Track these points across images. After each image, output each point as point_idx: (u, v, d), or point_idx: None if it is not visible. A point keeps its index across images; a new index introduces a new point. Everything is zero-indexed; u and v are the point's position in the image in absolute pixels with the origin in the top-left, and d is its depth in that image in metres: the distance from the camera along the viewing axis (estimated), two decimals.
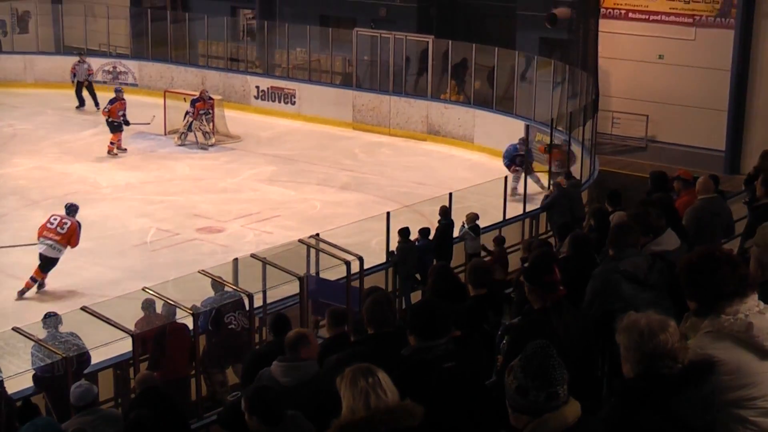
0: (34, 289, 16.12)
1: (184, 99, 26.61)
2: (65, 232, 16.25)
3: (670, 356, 4.29)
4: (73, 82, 29.71)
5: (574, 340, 5.97)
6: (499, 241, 15.85)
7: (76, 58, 29.87)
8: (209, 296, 12.61)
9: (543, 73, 25.51)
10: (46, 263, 16.16)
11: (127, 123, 24.60)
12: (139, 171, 23.65)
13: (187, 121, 25.72)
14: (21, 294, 16.06)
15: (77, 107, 29.07)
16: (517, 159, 21.38)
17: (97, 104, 28.28)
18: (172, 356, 11.67)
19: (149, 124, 25.51)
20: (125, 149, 24.70)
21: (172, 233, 19.15)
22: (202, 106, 25.70)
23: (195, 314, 11.99)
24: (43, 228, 16.37)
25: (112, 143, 24.48)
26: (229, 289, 12.73)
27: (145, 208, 20.80)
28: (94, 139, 25.82)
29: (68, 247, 16.30)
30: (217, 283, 12.77)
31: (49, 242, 16.15)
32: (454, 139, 26.23)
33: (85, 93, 29.18)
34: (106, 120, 24.53)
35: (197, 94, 26.49)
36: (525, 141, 21.91)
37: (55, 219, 16.43)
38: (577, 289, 6.88)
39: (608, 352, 6.23)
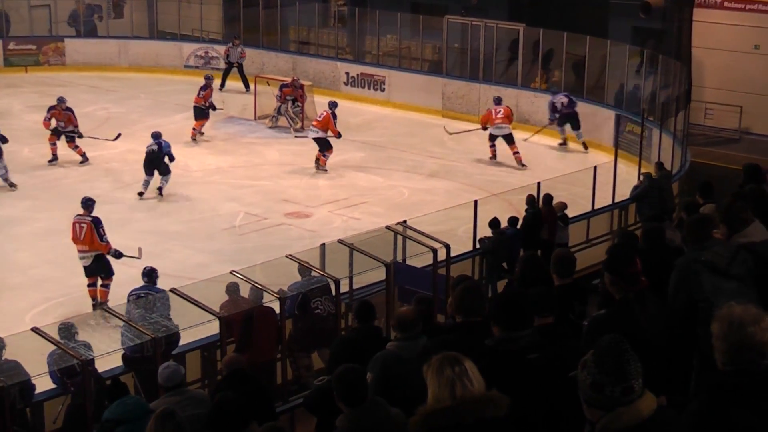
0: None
1: (267, 83, 26.86)
2: (84, 238, 15.58)
3: (758, 351, 4.20)
4: (226, 63, 30.40)
5: (658, 332, 5.89)
6: (547, 200, 15.80)
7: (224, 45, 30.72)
8: (297, 281, 12.69)
9: (635, 62, 25.19)
10: (90, 272, 15.64)
11: (214, 109, 24.85)
12: (229, 155, 23.88)
13: (277, 106, 25.93)
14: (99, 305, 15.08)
15: (220, 88, 29.45)
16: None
17: (247, 87, 28.83)
18: (259, 339, 11.77)
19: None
20: (202, 132, 25.00)
21: (260, 218, 19.31)
22: (290, 92, 25.85)
23: (282, 298, 12.07)
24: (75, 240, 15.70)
25: (194, 129, 24.74)
26: (316, 275, 12.79)
27: (234, 192, 20.99)
28: (185, 123, 26.10)
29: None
30: (304, 268, 12.84)
31: (81, 255, 15.65)
32: (543, 129, 26.03)
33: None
34: (195, 106, 24.77)
35: (288, 80, 26.68)
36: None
37: (78, 226, 15.67)
38: (657, 282, 6.79)
39: (695, 344, 6.14)
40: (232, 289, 12.38)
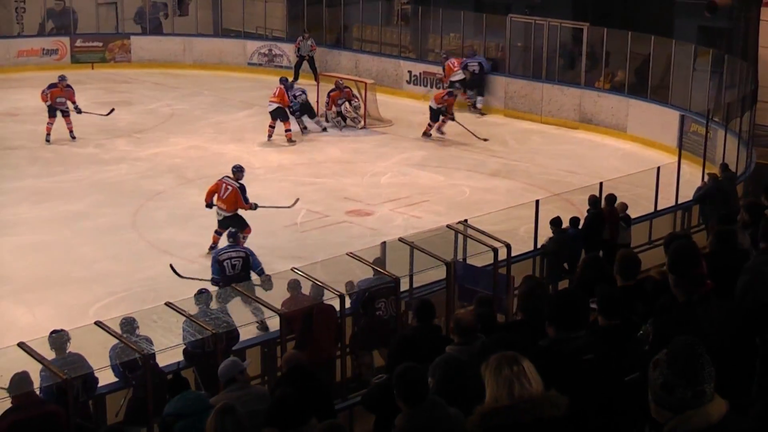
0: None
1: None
2: (226, 198, 17.19)
3: None
4: (297, 56, 30.69)
5: (722, 335, 5.82)
6: (610, 200, 15.72)
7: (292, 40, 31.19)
8: (367, 277, 12.71)
9: (701, 62, 24.92)
10: (223, 225, 17.01)
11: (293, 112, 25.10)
12: (291, 153, 23.99)
13: (325, 112, 26.07)
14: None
15: (293, 81, 29.62)
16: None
17: (317, 79, 28.97)
18: (319, 337, 11.82)
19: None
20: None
21: (321, 215, 19.37)
22: (338, 95, 25.92)
23: (342, 296, 12.09)
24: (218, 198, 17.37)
25: (287, 131, 24.79)
26: (387, 275, 12.77)
27: (296, 189, 21.04)
28: (248, 120, 26.33)
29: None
30: (377, 263, 12.91)
31: (219, 211, 17.26)
32: (606, 128, 25.85)
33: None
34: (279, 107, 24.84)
35: (350, 77, 26.87)
36: None
37: (225, 186, 17.36)
38: (726, 284, 6.71)
39: (761, 350, 6.06)
40: (293, 286, 12.44)
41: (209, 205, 17.18)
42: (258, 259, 14.84)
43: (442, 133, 25.05)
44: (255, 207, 17.38)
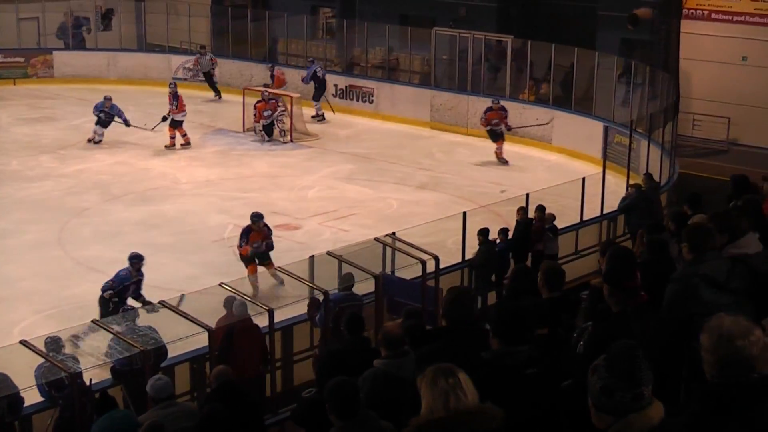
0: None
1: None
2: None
3: (746, 364, 4.20)
4: (198, 76, 31.04)
5: (653, 345, 5.88)
6: (540, 210, 15.98)
7: (184, 58, 31.58)
8: (334, 291, 12.64)
9: (623, 74, 25.27)
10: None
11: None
12: (218, 167, 23.89)
13: (254, 121, 26.09)
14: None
15: (216, 96, 30.47)
16: None
17: (217, 94, 30.15)
18: (242, 353, 11.69)
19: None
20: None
21: None
22: (264, 107, 25.89)
23: (272, 310, 12.02)
24: None
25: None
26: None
27: (223, 204, 20.97)
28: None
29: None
30: (345, 278, 12.84)
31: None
32: (532, 140, 26.07)
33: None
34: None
35: (276, 91, 26.91)
36: None
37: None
38: (657, 293, 6.78)
39: (687, 357, 6.14)
40: (229, 302, 12.31)
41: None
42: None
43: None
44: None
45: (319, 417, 6.12)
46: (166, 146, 25.00)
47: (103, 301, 14.11)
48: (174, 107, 25.32)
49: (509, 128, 24.57)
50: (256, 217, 16.31)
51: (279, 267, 13.98)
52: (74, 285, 16.42)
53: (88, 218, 20.09)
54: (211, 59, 30.77)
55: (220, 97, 30.40)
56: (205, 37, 33.91)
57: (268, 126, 25.93)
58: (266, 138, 25.90)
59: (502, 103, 25.17)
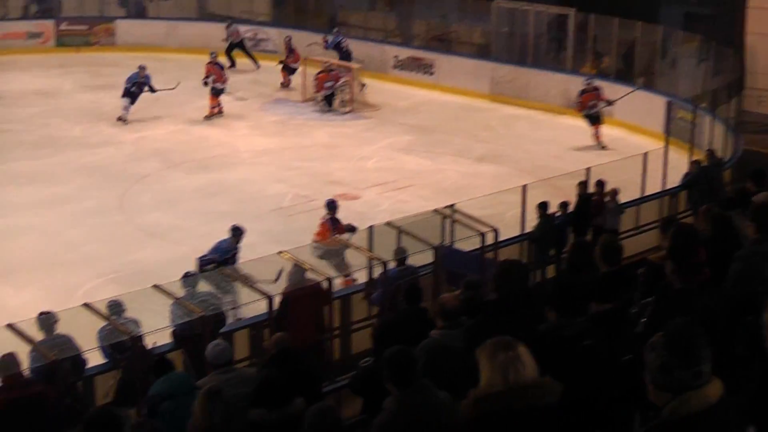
0: None
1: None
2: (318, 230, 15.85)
3: None
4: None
5: (715, 322, 5.84)
6: (599, 185, 15.87)
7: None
8: (393, 268, 12.61)
9: (687, 48, 24.95)
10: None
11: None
12: (277, 137, 23.98)
13: (314, 92, 26.12)
14: None
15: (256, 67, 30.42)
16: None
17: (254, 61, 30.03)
18: (300, 321, 11.75)
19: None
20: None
21: (308, 199, 19.34)
22: (326, 78, 25.93)
23: (331, 279, 12.07)
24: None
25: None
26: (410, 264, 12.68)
27: (282, 173, 21.07)
28: (234, 104, 26.25)
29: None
30: (398, 250, 12.80)
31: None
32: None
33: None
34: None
35: (336, 62, 26.91)
36: None
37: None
38: (720, 271, 6.73)
39: (746, 335, 6.09)
40: (294, 271, 12.32)
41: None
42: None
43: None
44: None
45: (376, 386, 6.14)
46: (205, 117, 25.01)
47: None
48: (221, 75, 25.39)
49: (610, 102, 23.62)
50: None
51: (336, 236, 14.03)
52: (135, 250, 16.60)
53: (148, 185, 20.28)
54: (235, 31, 30.75)
55: (258, 66, 30.36)
56: (265, 6, 33.97)
57: (329, 96, 25.98)
58: (327, 108, 25.96)
59: (561, 77, 24.95)
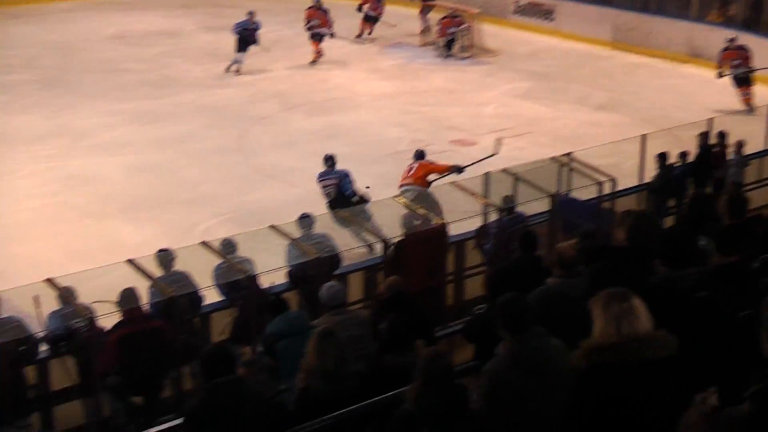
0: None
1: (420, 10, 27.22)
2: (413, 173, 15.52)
3: None
4: None
5: None
6: (721, 137, 15.62)
7: None
8: (503, 217, 12.57)
9: None
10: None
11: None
12: (395, 81, 23.96)
13: (437, 37, 25.97)
14: None
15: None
16: None
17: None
18: (414, 265, 11.76)
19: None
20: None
21: (425, 143, 19.28)
22: (449, 23, 25.79)
23: (445, 225, 12.06)
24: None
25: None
26: (517, 211, 12.62)
27: (400, 117, 21.08)
28: (353, 47, 26.31)
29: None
30: (507, 199, 12.72)
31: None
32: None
33: None
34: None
35: (456, 6, 26.68)
36: None
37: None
38: None
39: None
40: (409, 215, 12.36)
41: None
42: (350, 181, 14.84)
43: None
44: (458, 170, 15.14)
45: (489, 333, 6.14)
46: (310, 62, 25.07)
47: (342, 203, 14.35)
48: (326, 20, 25.36)
49: (749, 71, 21.94)
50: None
51: (454, 182, 13.98)
52: (252, 191, 16.79)
53: (267, 126, 20.47)
54: None
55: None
56: None
57: (449, 41, 25.86)
58: (447, 53, 25.85)
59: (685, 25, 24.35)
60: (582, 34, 27.81)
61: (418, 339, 7.02)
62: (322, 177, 14.89)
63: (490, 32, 27.11)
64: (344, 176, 14.81)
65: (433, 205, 14.05)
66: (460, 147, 19.17)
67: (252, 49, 24.17)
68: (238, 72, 24.04)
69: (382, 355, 7.10)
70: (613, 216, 12.75)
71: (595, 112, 21.79)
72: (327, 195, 14.67)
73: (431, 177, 14.90)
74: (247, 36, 24.26)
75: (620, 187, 14.16)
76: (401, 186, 14.99)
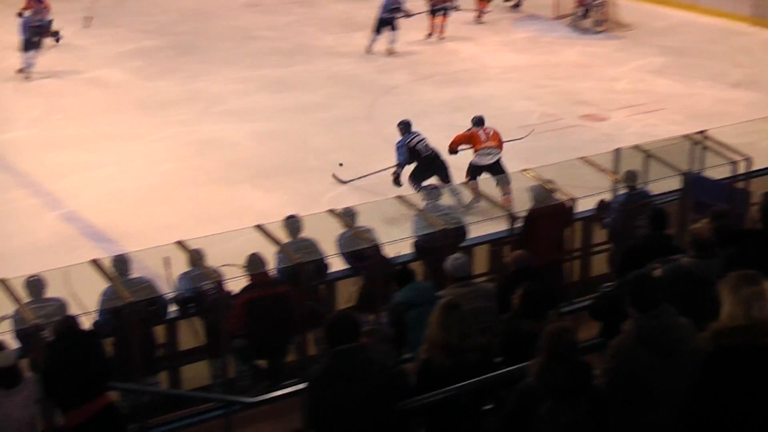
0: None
1: None
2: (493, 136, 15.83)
3: None
4: None
5: None
6: None
7: None
8: (624, 193, 12.39)
9: None
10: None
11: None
12: (526, 54, 23.77)
13: (575, 7, 25.67)
14: None
15: None
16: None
17: None
18: (540, 239, 11.66)
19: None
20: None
21: (555, 118, 19.15)
22: None
23: (574, 200, 11.94)
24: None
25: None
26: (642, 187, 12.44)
27: (530, 91, 20.91)
28: (484, 19, 26.17)
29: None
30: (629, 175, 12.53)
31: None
32: None
33: None
34: None
35: None
36: None
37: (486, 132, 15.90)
38: None
39: None
40: (534, 189, 12.23)
41: (454, 151, 15.91)
42: (400, 152, 15.40)
43: None
44: None
45: (616, 311, 6.08)
46: (440, 38, 24.83)
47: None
48: None
49: None
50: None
51: (583, 157, 13.78)
52: (380, 160, 16.77)
53: (396, 96, 20.51)
54: None
55: None
56: None
57: (583, 14, 25.53)
58: (580, 26, 25.53)
59: None
60: (720, 8, 27.12)
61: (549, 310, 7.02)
62: (414, 136, 15.44)
63: (625, 6, 26.67)
64: (397, 147, 15.36)
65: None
66: (591, 122, 18.94)
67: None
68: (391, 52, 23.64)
69: (518, 321, 7.09)
70: (747, 196, 12.49)
71: (731, 90, 21.27)
72: (425, 148, 15.36)
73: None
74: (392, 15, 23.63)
75: (755, 167, 13.82)
76: (483, 148, 15.37)
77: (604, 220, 12.24)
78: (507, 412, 5.60)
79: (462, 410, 6.46)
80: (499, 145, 15.58)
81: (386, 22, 23.48)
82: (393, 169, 15.44)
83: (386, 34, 23.49)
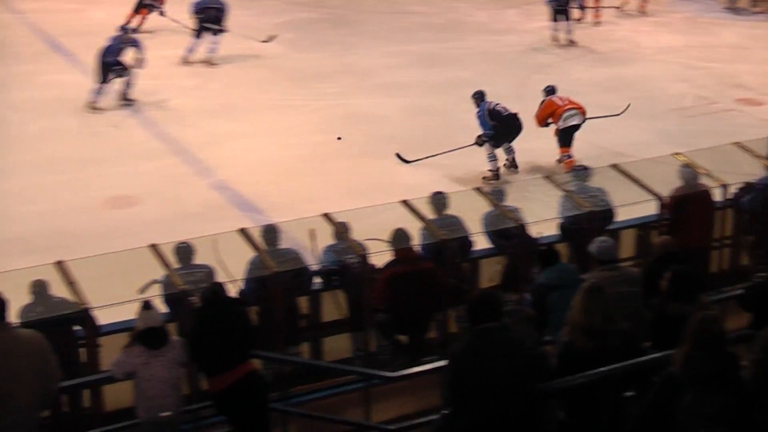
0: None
1: None
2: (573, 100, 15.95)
3: None
4: None
5: None
6: None
7: None
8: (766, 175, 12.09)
9: None
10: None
11: None
12: (682, 34, 23.28)
13: None
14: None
15: None
16: None
17: None
18: (690, 224, 11.44)
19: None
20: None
21: (709, 101, 18.72)
22: None
23: (725, 186, 11.67)
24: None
25: None
26: None
27: (685, 72, 20.47)
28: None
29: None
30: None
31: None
32: None
33: None
34: None
35: None
36: None
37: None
38: None
39: None
40: (687, 174, 11.98)
41: (547, 124, 16.01)
42: (482, 122, 15.60)
43: None
44: None
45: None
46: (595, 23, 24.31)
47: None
48: None
49: None
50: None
51: (737, 142, 13.44)
52: (530, 139, 16.20)
53: (547, 75, 20.24)
54: None
55: None
56: None
57: None
58: (736, 7, 24.87)
59: None
60: None
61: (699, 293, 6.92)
62: (491, 101, 15.80)
63: None
64: (478, 116, 15.64)
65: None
66: (747, 106, 18.45)
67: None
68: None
69: (666, 303, 7.00)
70: None
71: None
72: (504, 109, 15.73)
73: None
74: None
75: None
76: (564, 111, 15.61)
77: (742, 200, 11.93)
78: (649, 401, 5.53)
79: (603, 395, 6.40)
80: (580, 107, 15.71)
81: (560, 11, 22.48)
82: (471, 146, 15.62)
83: (560, 24, 22.54)
